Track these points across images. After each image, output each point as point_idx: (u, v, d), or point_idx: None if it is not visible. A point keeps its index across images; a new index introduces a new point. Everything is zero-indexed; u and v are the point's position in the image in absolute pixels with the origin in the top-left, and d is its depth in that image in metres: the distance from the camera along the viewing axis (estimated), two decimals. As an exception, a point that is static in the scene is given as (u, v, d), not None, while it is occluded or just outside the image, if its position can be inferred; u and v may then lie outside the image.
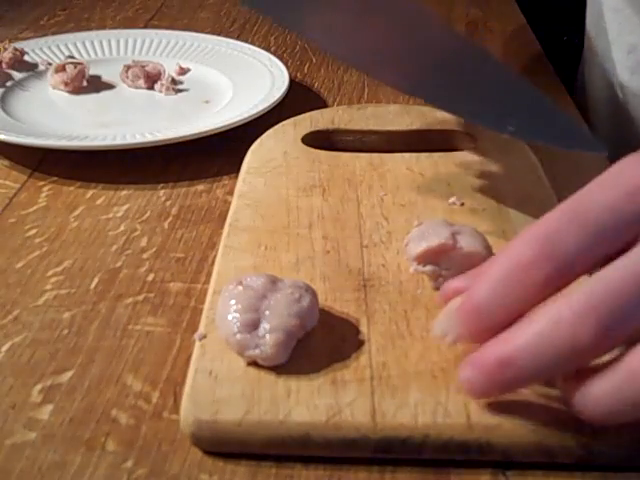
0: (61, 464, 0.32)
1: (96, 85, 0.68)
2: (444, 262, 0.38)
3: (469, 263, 0.38)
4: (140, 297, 0.42)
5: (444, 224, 0.40)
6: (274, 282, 0.36)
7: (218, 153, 0.57)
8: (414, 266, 0.39)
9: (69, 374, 0.37)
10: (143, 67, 0.67)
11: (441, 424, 0.32)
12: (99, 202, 0.51)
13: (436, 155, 0.52)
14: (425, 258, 0.39)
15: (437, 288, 0.39)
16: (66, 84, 0.66)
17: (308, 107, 0.60)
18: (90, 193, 0.53)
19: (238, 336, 0.34)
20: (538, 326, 0.28)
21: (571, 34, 1.04)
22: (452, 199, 0.47)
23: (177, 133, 0.56)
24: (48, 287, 0.43)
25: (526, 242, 0.29)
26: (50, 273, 0.44)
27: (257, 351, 0.33)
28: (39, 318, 0.41)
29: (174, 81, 0.68)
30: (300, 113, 0.57)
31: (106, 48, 0.74)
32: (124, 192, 0.53)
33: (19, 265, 0.45)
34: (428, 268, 0.39)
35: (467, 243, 0.39)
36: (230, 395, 0.33)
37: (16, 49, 0.70)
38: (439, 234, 0.39)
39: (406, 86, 0.41)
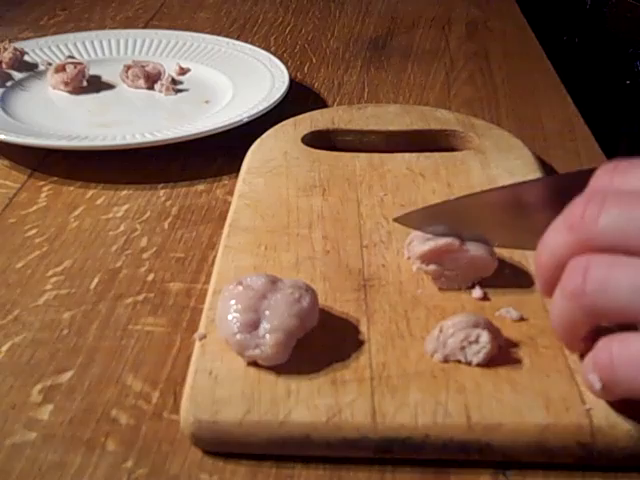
0: (61, 464, 0.32)
1: (96, 85, 0.68)
2: (448, 262, 0.38)
3: (473, 266, 0.38)
4: (140, 297, 0.42)
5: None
6: (274, 282, 0.36)
7: (218, 153, 0.57)
8: (417, 264, 0.39)
9: (69, 374, 0.37)
10: (143, 67, 0.67)
11: (441, 424, 0.32)
12: (99, 202, 0.51)
13: (436, 155, 0.52)
14: (430, 257, 0.39)
15: (440, 288, 0.39)
16: (66, 84, 0.66)
17: (308, 107, 0.60)
18: (90, 193, 0.53)
19: (238, 336, 0.34)
20: None
21: (571, 34, 1.04)
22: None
23: (177, 133, 0.56)
24: (48, 287, 0.43)
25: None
26: (50, 273, 0.44)
27: (257, 351, 0.33)
28: (39, 318, 0.41)
29: (174, 81, 0.68)
30: (300, 113, 0.57)
31: (106, 48, 0.74)
32: (124, 192, 0.53)
33: (19, 265, 0.45)
34: (431, 267, 0.39)
35: (473, 246, 0.39)
36: (230, 395, 0.33)
37: (16, 49, 0.70)
38: (445, 234, 0.39)
39: None
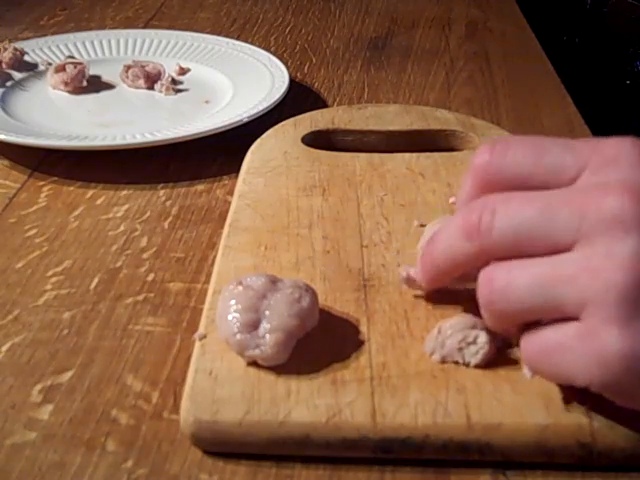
0: (61, 464, 0.32)
1: (96, 85, 0.68)
2: None
3: None
4: (140, 297, 0.42)
5: None
6: (274, 282, 0.36)
7: (218, 153, 0.57)
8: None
9: (69, 374, 0.37)
10: (143, 67, 0.67)
11: (441, 424, 0.32)
12: (99, 202, 0.51)
13: (436, 155, 0.52)
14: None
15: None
16: (66, 84, 0.66)
17: (308, 107, 0.60)
18: (90, 193, 0.53)
19: (238, 336, 0.34)
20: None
21: (571, 34, 1.04)
22: (452, 199, 0.47)
23: (177, 133, 0.56)
24: (48, 287, 0.43)
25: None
26: (50, 273, 0.44)
27: (257, 351, 0.33)
28: (39, 318, 0.41)
29: (174, 81, 0.68)
30: (300, 113, 0.57)
31: (106, 48, 0.74)
32: (124, 192, 0.53)
33: (19, 265, 0.45)
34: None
35: None
36: (230, 395, 0.33)
37: (16, 49, 0.70)
38: None
39: None
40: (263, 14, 0.89)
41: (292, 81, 0.65)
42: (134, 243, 0.47)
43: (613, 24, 1.03)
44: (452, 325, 0.35)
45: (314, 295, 0.36)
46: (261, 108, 0.59)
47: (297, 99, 0.66)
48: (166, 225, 0.49)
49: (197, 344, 0.36)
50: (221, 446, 0.32)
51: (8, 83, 0.66)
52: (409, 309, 0.38)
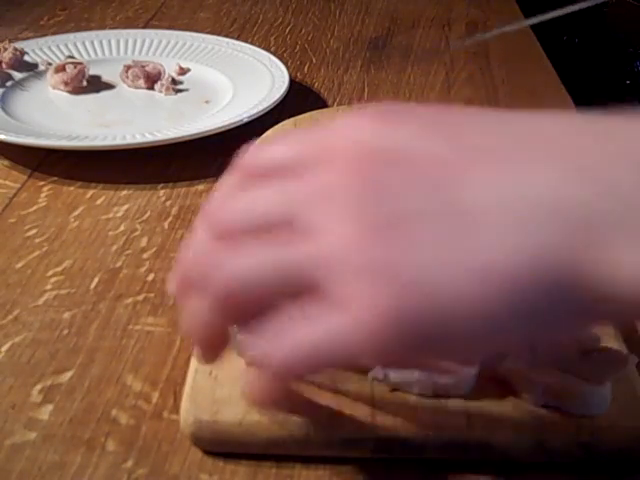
0: (61, 464, 0.32)
1: (96, 85, 0.68)
2: None
3: None
4: (140, 297, 0.42)
5: None
6: (274, 282, 0.36)
7: (218, 153, 0.57)
8: None
9: (69, 374, 0.37)
10: (143, 67, 0.67)
11: (441, 424, 0.32)
12: (99, 202, 0.51)
13: (436, 155, 0.52)
14: None
15: None
16: (66, 84, 0.66)
17: (308, 107, 0.60)
18: (90, 193, 0.53)
19: (238, 336, 0.34)
20: None
21: (571, 34, 1.04)
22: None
23: (177, 133, 0.56)
24: (48, 287, 0.43)
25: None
26: (50, 273, 0.44)
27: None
28: (39, 318, 0.41)
29: (174, 81, 0.68)
30: (300, 113, 0.57)
31: (106, 48, 0.74)
32: (124, 192, 0.53)
33: (19, 265, 0.45)
34: None
35: None
36: (230, 395, 0.33)
37: (16, 49, 0.69)
38: None
39: None
40: (263, 14, 0.89)
41: (292, 81, 0.65)
42: (134, 243, 0.47)
43: (613, 24, 1.03)
44: None
45: (314, 295, 0.36)
46: (261, 108, 0.59)
47: (297, 99, 0.66)
48: (166, 225, 0.49)
49: (197, 344, 0.36)
50: (221, 446, 0.32)
51: (8, 83, 0.66)
52: (409, 309, 0.38)
